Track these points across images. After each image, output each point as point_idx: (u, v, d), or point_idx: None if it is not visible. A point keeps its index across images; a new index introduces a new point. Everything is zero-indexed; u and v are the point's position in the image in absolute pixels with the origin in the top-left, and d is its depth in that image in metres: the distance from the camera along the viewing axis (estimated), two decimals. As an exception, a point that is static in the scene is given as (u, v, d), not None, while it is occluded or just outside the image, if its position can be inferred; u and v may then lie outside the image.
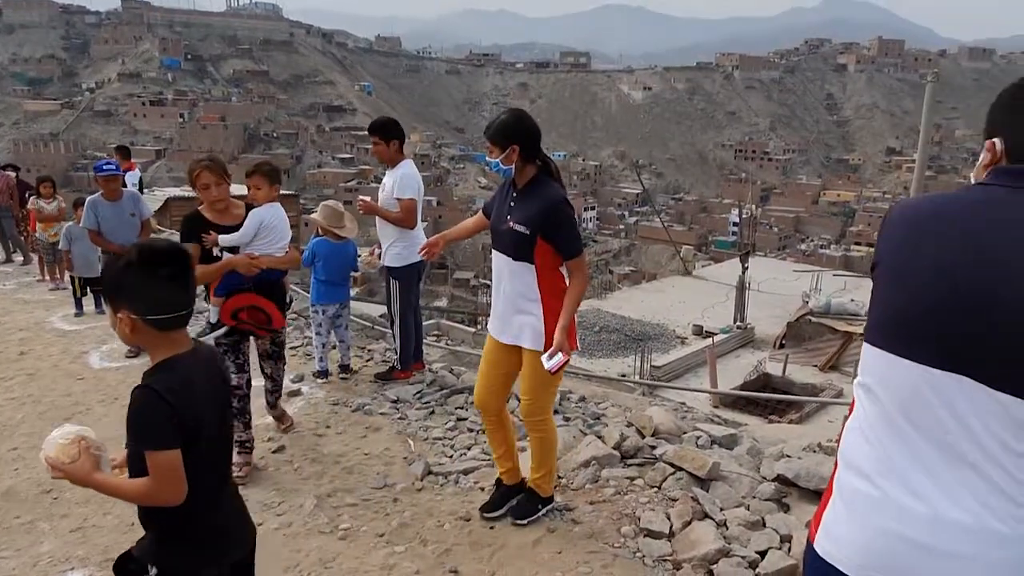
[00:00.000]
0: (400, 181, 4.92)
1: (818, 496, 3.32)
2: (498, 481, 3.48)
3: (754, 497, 3.44)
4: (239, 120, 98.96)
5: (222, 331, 3.81)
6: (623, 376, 12.46)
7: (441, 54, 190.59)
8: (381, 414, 4.70)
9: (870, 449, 1.28)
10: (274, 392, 4.33)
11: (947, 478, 1.21)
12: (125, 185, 5.92)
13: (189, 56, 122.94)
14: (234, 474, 3.68)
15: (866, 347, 1.33)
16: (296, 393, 5.05)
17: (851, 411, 1.37)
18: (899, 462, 1.24)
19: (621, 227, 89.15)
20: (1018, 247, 1.16)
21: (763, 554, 3.00)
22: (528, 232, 2.98)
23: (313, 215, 5.33)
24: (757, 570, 2.91)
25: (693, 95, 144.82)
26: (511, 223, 3.03)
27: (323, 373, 5.31)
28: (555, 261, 3.04)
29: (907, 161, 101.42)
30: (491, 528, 3.32)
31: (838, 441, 1.39)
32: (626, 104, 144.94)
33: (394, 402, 4.89)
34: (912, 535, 1.22)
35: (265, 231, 3.85)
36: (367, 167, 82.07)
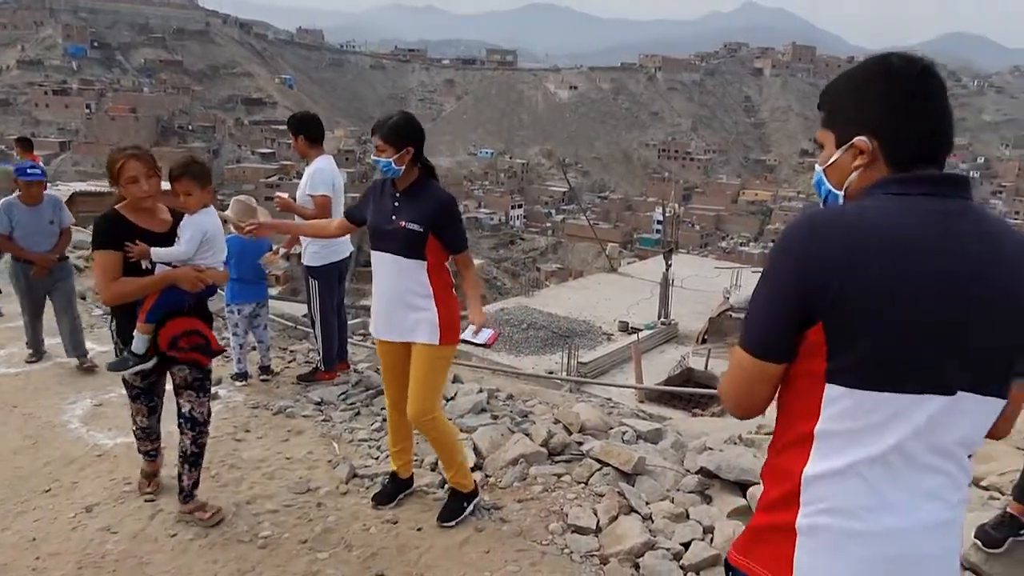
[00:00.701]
0: (313, 177, 4.79)
1: (739, 487, 3.42)
2: (393, 475, 3.52)
3: (678, 490, 3.51)
4: (151, 112, 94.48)
5: (151, 363, 3.14)
6: (550, 373, 12.55)
7: (366, 48, 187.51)
8: (304, 416, 4.56)
9: (854, 490, 1.21)
10: (194, 456, 3.25)
11: (921, 488, 1.23)
12: (46, 187, 5.50)
13: (96, 44, 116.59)
14: (143, 490, 3.53)
15: (839, 391, 1.19)
16: (213, 396, 4.82)
17: (803, 458, 1.25)
18: (886, 494, 1.21)
19: (548, 225, 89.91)
20: (978, 258, 1.17)
21: (687, 545, 3.06)
22: (422, 230, 3.06)
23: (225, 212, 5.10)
24: (681, 562, 2.97)
25: (618, 95, 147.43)
26: (402, 222, 3.07)
27: (242, 375, 5.12)
28: (443, 257, 3.17)
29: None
30: (418, 530, 3.26)
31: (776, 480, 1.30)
32: (552, 103, 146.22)
33: (317, 404, 4.76)
34: (899, 551, 1.22)
35: (208, 243, 3.18)
36: (289, 162, 79.85)
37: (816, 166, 1.36)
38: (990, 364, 1.21)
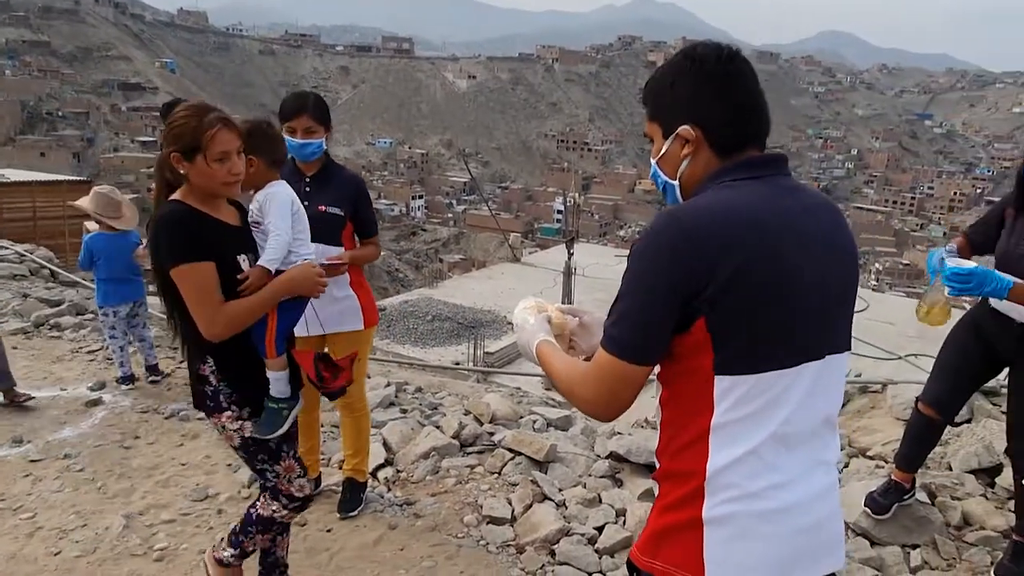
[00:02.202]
0: None
1: (648, 469, 3.49)
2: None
3: (590, 475, 3.55)
4: (15, 96, 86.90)
5: (296, 411, 2.32)
6: (457, 364, 12.50)
7: (254, 32, 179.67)
8: (199, 419, 4.30)
9: (757, 472, 1.23)
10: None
11: (811, 457, 1.28)
12: None
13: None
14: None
15: (731, 380, 1.20)
16: (97, 402, 4.50)
17: (703, 455, 1.24)
18: (785, 469, 1.24)
19: (450, 215, 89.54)
20: (824, 227, 1.28)
21: (601, 529, 3.10)
22: (343, 213, 2.98)
23: (80, 201, 4.70)
24: (596, 545, 3.00)
25: (516, 85, 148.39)
26: (321, 206, 2.95)
27: (127, 379, 4.78)
28: (353, 242, 3.11)
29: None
30: (328, 531, 3.14)
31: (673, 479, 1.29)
32: (451, 92, 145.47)
33: (214, 405, 4.50)
34: (805, 522, 1.26)
35: (298, 218, 2.41)
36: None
37: (651, 159, 1.40)
38: (845, 323, 1.32)
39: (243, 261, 2.18)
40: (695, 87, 1.28)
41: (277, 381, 2.26)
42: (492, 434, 3.97)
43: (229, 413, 2.19)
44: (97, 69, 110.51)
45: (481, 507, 3.30)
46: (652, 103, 1.36)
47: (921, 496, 3.12)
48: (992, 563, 2.83)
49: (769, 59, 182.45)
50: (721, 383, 1.20)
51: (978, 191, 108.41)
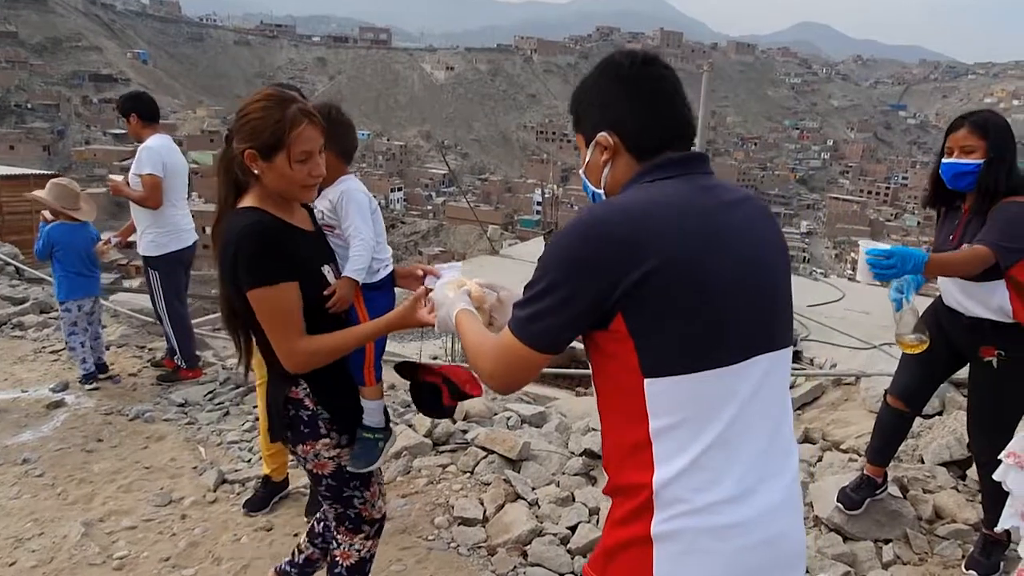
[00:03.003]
0: (140, 156, 4.38)
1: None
2: (266, 478, 3.33)
3: (563, 473, 3.51)
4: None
5: (391, 443, 2.16)
6: (434, 359, 12.42)
7: (228, 22, 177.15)
8: (165, 421, 4.20)
9: (703, 485, 1.17)
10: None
11: (764, 464, 1.22)
12: None
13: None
14: None
15: (660, 383, 1.16)
16: (59, 404, 4.37)
17: (648, 467, 1.19)
18: (734, 480, 1.18)
19: (429, 208, 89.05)
20: (747, 221, 1.26)
21: (574, 529, 3.05)
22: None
23: (37, 192, 4.57)
24: (568, 545, 2.96)
25: (495, 77, 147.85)
26: None
27: (91, 376, 4.66)
28: None
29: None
30: (295, 536, 3.07)
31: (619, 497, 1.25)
32: (429, 84, 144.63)
33: (181, 406, 4.40)
34: (758, 537, 1.19)
35: (377, 219, 2.25)
36: (148, 144, 74.45)
37: (580, 171, 1.40)
38: (782, 319, 1.29)
39: (328, 273, 1.94)
40: (609, 93, 1.30)
41: (374, 411, 2.09)
42: (465, 432, 3.92)
43: (327, 440, 1.96)
44: (67, 60, 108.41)
45: (452, 508, 3.24)
46: (574, 114, 1.37)
47: (893, 490, 3.11)
48: (963, 556, 2.83)
49: (746, 50, 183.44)
50: (651, 387, 1.17)
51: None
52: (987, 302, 2.57)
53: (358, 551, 2.11)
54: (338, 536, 2.11)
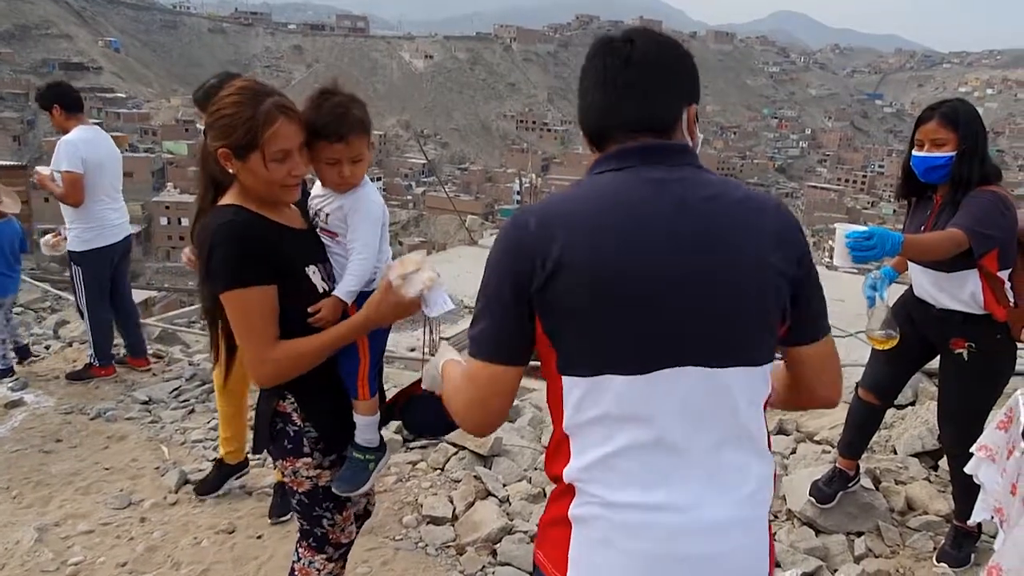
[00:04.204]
0: (57, 150, 4.18)
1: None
2: (219, 461, 3.33)
3: (536, 469, 3.45)
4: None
5: (382, 464, 1.94)
6: (412, 350, 12.31)
7: (202, 9, 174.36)
8: (128, 419, 4.09)
9: (612, 481, 1.13)
10: None
11: (709, 485, 1.14)
12: None
13: None
14: None
15: (572, 381, 1.13)
16: (17, 403, 4.24)
17: (565, 458, 1.18)
18: (661, 483, 1.13)
19: (408, 198, 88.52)
20: (694, 222, 1.12)
21: (544, 526, 3.00)
22: None
23: None
24: (539, 544, 2.90)
25: (474, 65, 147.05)
26: None
27: (9, 371, 4.60)
28: None
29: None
30: (258, 538, 2.99)
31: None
32: (408, 72, 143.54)
33: (145, 403, 4.29)
34: (691, 552, 1.13)
35: (384, 234, 1.98)
36: (120, 134, 73.24)
37: None
38: (733, 332, 1.13)
39: (313, 274, 1.77)
40: (580, 81, 1.25)
41: (367, 427, 1.87)
42: (436, 428, 3.85)
43: (308, 460, 1.82)
44: (36, 48, 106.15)
45: (421, 506, 3.17)
46: None
47: (866, 482, 3.09)
48: (935, 548, 2.82)
49: (725, 39, 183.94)
50: (566, 383, 1.15)
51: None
52: (958, 294, 2.54)
53: (318, 570, 1.99)
54: (300, 549, 2.00)
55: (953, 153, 2.44)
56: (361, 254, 1.83)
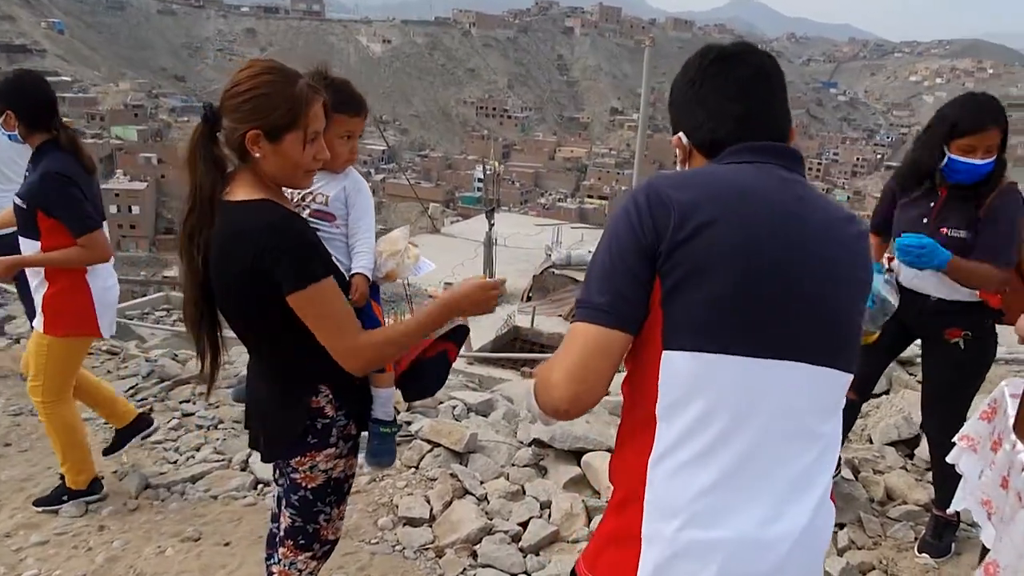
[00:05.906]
0: None
1: (574, 456, 3.33)
2: (117, 430, 3.37)
3: (513, 465, 3.37)
4: None
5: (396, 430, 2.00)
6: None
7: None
8: (85, 420, 3.87)
9: (705, 487, 1.07)
10: None
11: (782, 490, 1.10)
12: None
13: None
14: None
15: (673, 356, 1.08)
16: (-39, 405, 3.99)
17: (647, 447, 1.11)
18: (745, 492, 1.08)
19: (368, 185, 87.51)
20: (823, 229, 1.15)
21: (525, 525, 2.92)
22: (26, 206, 2.69)
23: None
24: (520, 544, 2.82)
25: (433, 50, 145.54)
26: (17, 198, 2.73)
27: None
28: (64, 241, 2.72)
29: (629, 120, 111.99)
30: (226, 545, 2.85)
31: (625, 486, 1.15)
32: (366, 57, 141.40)
33: (100, 404, 4.07)
34: (761, 567, 1.08)
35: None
36: (67, 119, 70.68)
37: None
38: (826, 334, 1.13)
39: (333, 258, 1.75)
40: (680, 94, 1.28)
41: (385, 400, 1.86)
42: (409, 423, 3.74)
43: (330, 451, 1.75)
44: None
45: (397, 507, 3.07)
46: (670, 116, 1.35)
47: (846, 472, 3.09)
48: (916, 538, 2.82)
49: (684, 27, 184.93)
50: (666, 360, 1.08)
51: (878, 156, 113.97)
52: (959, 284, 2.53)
53: (299, 571, 1.89)
54: (281, 550, 1.89)
55: (995, 157, 2.40)
56: (369, 231, 1.94)
